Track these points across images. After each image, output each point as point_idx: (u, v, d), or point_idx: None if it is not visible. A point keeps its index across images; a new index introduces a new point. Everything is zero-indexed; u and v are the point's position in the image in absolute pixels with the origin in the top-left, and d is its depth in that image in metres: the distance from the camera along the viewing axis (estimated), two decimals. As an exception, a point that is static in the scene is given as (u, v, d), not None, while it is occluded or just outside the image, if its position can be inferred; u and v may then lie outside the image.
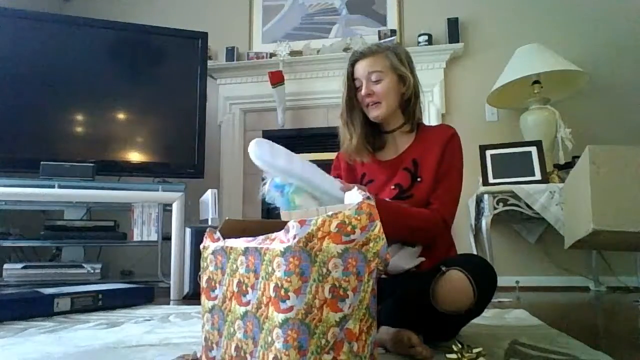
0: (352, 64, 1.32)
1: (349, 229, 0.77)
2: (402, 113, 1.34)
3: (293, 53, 3.20)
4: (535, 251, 2.80)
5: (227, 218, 0.97)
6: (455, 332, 1.23)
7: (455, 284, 1.05)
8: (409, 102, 1.32)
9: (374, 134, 1.36)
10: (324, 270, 0.75)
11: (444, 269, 1.08)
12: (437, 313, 1.07)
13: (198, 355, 1.01)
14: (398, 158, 1.32)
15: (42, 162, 2.46)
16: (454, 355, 1.02)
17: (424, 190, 1.23)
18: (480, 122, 2.98)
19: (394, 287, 1.18)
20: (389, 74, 1.29)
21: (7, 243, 2.60)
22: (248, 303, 0.81)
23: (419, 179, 1.25)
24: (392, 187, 1.27)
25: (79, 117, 2.75)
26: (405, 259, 1.22)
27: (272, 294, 0.75)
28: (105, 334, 1.42)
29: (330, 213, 0.77)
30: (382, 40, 2.97)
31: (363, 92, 1.28)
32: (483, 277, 1.07)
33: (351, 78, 1.33)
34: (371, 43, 1.37)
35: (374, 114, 1.30)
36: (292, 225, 0.75)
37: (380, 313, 0.89)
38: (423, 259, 1.22)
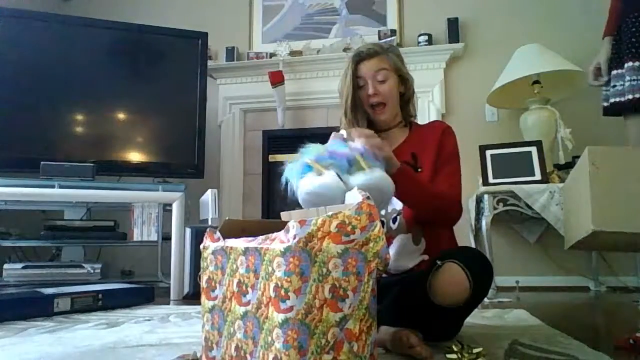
0: (356, 64, 1.32)
1: (349, 229, 0.77)
2: (400, 111, 1.38)
3: (293, 53, 3.20)
4: (535, 251, 2.80)
5: (227, 218, 0.97)
6: (455, 330, 1.23)
7: (450, 276, 1.05)
8: (407, 102, 1.38)
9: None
10: (324, 270, 0.75)
11: (439, 262, 1.09)
12: (437, 309, 1.08)
13: (198, 355, 1.01)
14: (395, 153, 1.33)
15: (42, 162, 2.45)
16: (454, 355, 1.02)
17: (425, 178, 1.24)
18: (480, 122, 2.98)
19: (394, 286, 1.18)
20: (392, 74, 1.32)
21: (7, 243, 2.60)
22: (248, 303, 0.81)
23: (419, 170, 1.27)
24: None
25: (79, 117, 2.75)
26: (407, 258, 1.23)
27: (272, 294, 0.75)
28: (105, 334, 1.42)
29: (330, 213, 0.77)
30: (382, 40, 2.97)
31: (370, 91, 1.30)
32: (477, 267, 1.08)
33: (354, 77, 1.33)
34: (371, 43, 1.38)
35: (381, 117, 1.33)
36: (292, 225, 0.75)
37: (380, 313, 0.90)
38: (426, 257, 1.23)
